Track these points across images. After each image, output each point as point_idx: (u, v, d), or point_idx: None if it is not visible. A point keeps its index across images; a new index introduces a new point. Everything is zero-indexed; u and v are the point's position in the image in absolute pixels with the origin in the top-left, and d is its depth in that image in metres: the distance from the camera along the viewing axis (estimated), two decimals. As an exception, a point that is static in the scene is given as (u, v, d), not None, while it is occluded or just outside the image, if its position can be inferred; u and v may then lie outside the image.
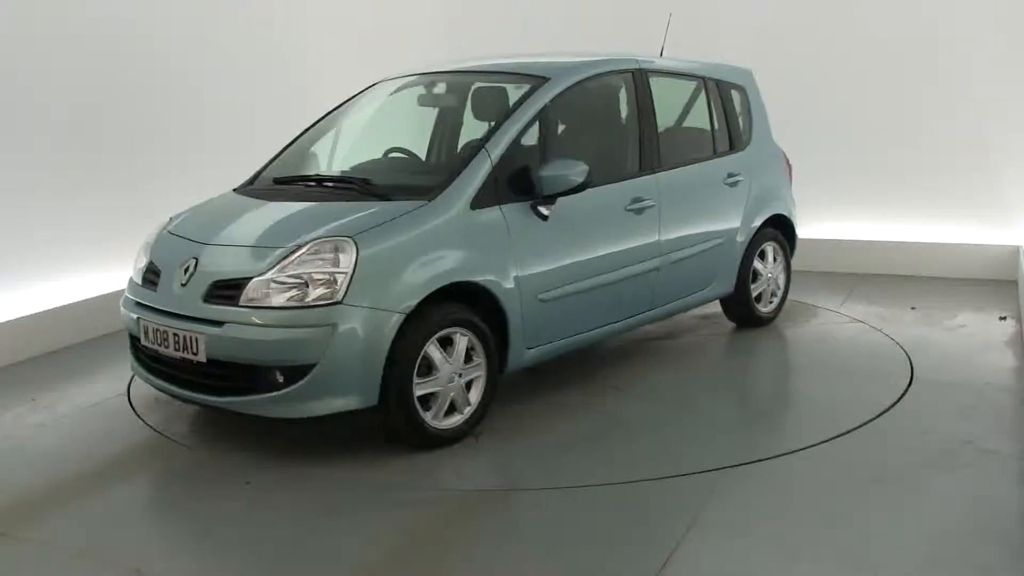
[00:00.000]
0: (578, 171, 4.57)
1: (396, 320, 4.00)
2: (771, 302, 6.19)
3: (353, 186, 4.67)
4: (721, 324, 6.19)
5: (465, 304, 4.31)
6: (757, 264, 5.99)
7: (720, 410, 4.92)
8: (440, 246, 4.25)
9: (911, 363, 5.33)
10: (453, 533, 3.58)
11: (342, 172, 5.12)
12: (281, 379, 3.99)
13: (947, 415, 4.57)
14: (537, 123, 4.77)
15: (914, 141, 7.46)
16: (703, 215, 5.57)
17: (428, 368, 4.16)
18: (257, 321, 3.98)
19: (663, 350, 5.80)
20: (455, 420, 4.30)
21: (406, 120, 5.93)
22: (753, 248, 5.92)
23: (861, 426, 4.47)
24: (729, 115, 5.92)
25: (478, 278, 4.31)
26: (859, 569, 3.22)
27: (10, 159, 5.97)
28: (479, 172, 4.45)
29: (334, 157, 5.46)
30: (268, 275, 4.02)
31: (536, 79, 4.92)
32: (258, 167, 5.36)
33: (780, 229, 6.16)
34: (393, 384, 4.03)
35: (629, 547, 3.40)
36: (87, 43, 6.43)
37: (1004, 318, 6.18)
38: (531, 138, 4.80)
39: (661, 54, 6.12)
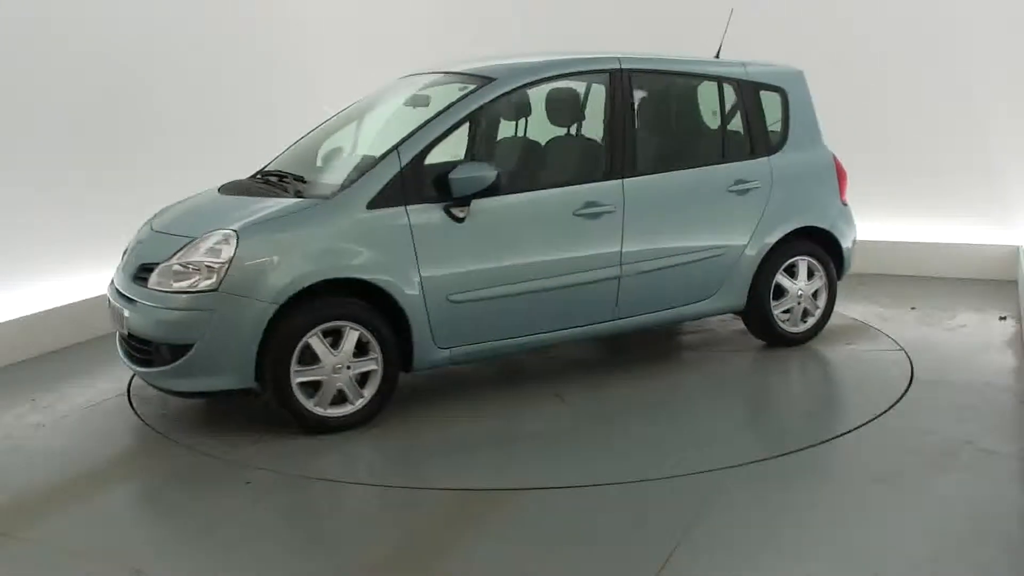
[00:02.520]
0: (484, 174, 4.59)
1: (268, 310, 4.27)
2: (804, 322, 5.67)
3: (286, 182, 4.88)
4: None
5: (363, 300, 4.46)
6: (783, 280, 5.54)
7: (719, 411, 4.91)
8: (326, 243, 4.42)
9: (911, 363, 5.33)
10: (453, 533, 3.58)
11: (284, 169, 5.16)
12: (168, 355, 4.36)
13: (947, 415, 4.57)
14: (468, 125, 4.82)
15: (914, 141, 7.45)
16: (691, 223, 5.26)
17: (313, 357, 4.36)
18: (152, 302, 4.42)
19: (668, 357, 5.80)
20: (345, 410, 4.48)
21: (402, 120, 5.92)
22: (774, 261, 5.47)
23: (861, 426, 4.47)
24: (752, 118, 5.51)
25: (366, 275, 4.43)
26: (859, 569, 3.22)
27: (10, 159, 5.97)
28: (385, 173, 4.54)
29: (342, 151, 5.50)
30: (170, 261, 4.43)
31: (482, 80, 4.91)
32: (257, 166, 5.41)
33: (821, 243, 5.65)
34: (269, 369, 4.31)
35: (629, 547, 3.40)
36: (89, 43, 6.42)
37: (1004, 318, 6.18)
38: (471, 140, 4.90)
39: (718, 54, 5.88)
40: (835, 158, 5.81)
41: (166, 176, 6.80)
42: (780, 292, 5.56)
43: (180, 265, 4.39)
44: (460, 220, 4.60)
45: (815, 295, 5.69)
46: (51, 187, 6.22)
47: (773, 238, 5.46)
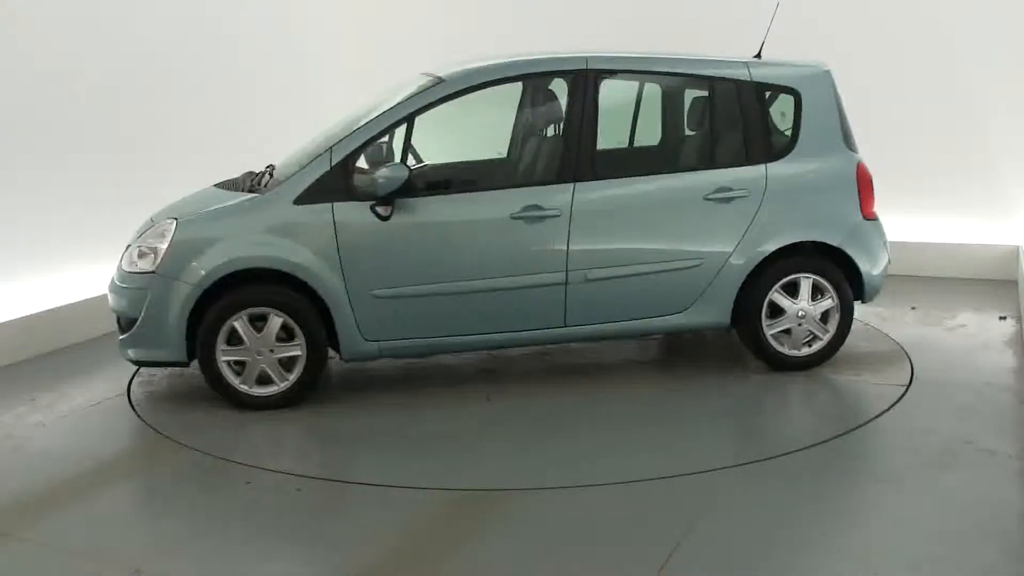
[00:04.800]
0: (398, 174, 4.67)
1: (193, 293, 4.66)
2: (809, 346, 5.17)
3: (256, 178, 5.10)
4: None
5: (295, 290, 4.70)
6: (780, 298, 5.06)
7: (720, 412, 4.91)
8: (249, 235, 4.73)
9: (911, 363, 5.33)
10: (454, 533, 3.58)
11: (278, 166, 5.25)
12: (124, 327, 4.89)
13: (947, 415, 4.57)
14: (405, 125, 4.92)
15: (914, 140, 7.45)
16: (655, 231, 4.97)
17: (240, 339, 4.71)
18: (117, 279, 4.92)
19: (670, 360, 5.79)
20: (269, 390, 4.78)
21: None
22: (767, 277, 5.04)
23: (861, 426, 4.47)
24: (749, 121, 5.09)
25: (280, 266, 4.69)
26: (859, 569, 3.22)
27: (11, 159, 5.97)
28: (314, 172, 4.76)
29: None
30: (135, 243, 4.91)
31: (435, 80, 4.95)
32: (259, 166, 5.48)
33: (834, 260, 5.13)
34: (199, 347, 4.70)
35: (629, 547, 3.40)
36: (88, 44, 6.43)
37: (1004, 318, 6.18)
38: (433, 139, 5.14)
39: (760, 52, 5.45)
40: (861, 167, 5.24)
41: (166, 176, 6.79)
42: (778, 311, 5.11)
43: (139, 247, 4.84)
44: (385, 218, 4.71)
45: (824, 318, 5.15)
46: (53, 187, 6.21)
47: (764, 252, 5.02)
